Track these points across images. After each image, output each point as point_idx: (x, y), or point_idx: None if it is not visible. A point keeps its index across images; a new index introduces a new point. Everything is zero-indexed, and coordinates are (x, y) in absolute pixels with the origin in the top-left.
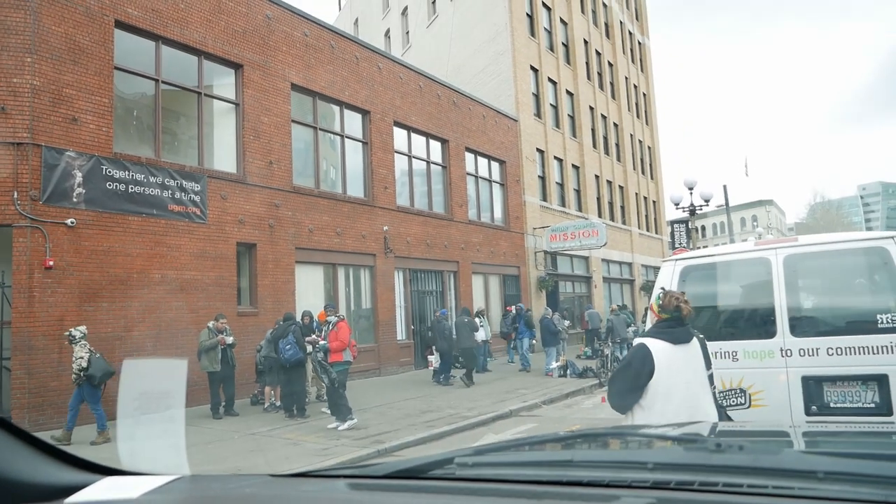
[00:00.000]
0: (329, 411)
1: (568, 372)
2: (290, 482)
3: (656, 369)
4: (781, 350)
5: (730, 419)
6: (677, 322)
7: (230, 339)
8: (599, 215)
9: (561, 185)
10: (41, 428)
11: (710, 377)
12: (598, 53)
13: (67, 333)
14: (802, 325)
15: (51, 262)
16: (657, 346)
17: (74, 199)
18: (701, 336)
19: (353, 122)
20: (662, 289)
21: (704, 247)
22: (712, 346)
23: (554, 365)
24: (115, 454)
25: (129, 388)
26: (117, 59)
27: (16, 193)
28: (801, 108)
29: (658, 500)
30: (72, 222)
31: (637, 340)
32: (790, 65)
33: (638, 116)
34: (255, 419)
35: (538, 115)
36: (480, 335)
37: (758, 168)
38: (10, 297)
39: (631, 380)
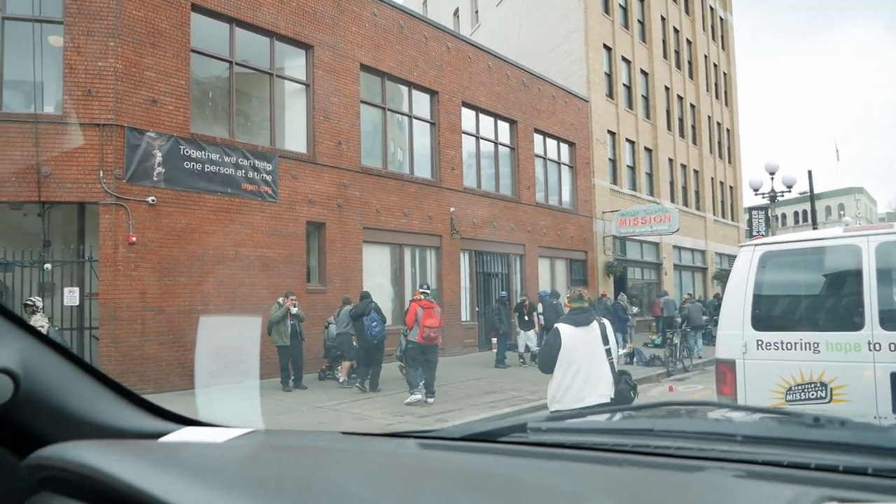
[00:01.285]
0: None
1: (634, 360)
2: (361, 439)
3: (562, 344)
4: (869, 343)
5: (630, 384)
6: (582, 310)
7: (295, 310)
8: (672, 200)
9: (632, 169)
10: None
11: (608, 350)
12: (675, 30)
13: (30, 303)
14: (894, 318)
15: (134, 238)
16: (565, 329)
17: (155, 178)
18: (603, 321)
19: (422, 102)
20: (574, 288)
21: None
22: (792, 336)
23: (621, 352)
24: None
25: (205, 343)
26: (193, 41)
27: (101, 172)
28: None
29: (746, 472)
30: (153, 200)
31: (556, 325)
32: (888, 43)
33: (717, 97)
34: (324, 393)
35: (610, 95)
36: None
37: (847, 154)
38: (97, 271)
39: (549, 352)
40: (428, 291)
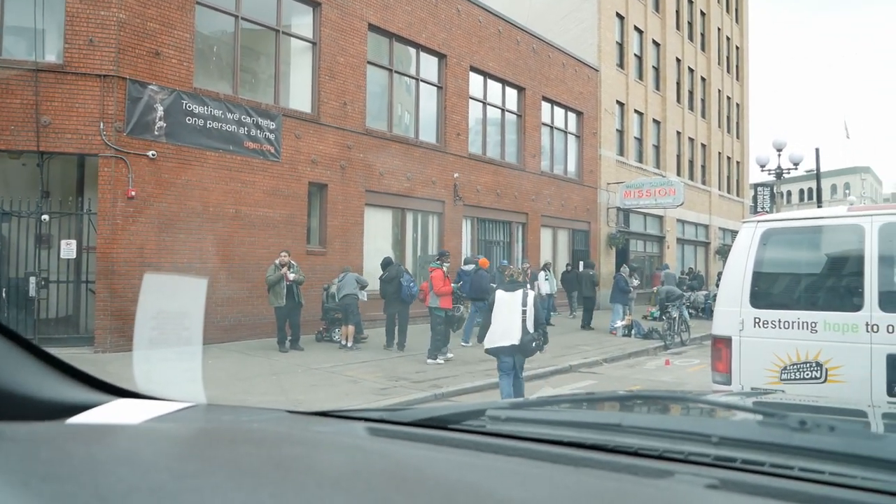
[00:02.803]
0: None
1: (633, 332)
2: (306, 420)
3: (495, 304)
4: (867, 325)
5: (536, 339)
6: (513, 281)
7: (293, 276)
8: (678, 173)
9: (639, 140)
10: (121, 350)
11: (524, 312)
12: (689, 1)
13: None
14: (894, 300)
15: (133, 193)
16: (499, 293)
17: (156, 132)
18: (528, 291)
19: (429, 65)
20: (509, 267)
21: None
22: (789, 315)
23: (619, 323)
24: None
25: (147, 304)
26: None
27: (102, 124)
28: None
29: (720, 480)
30: (153, 154)
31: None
32: None
33: (728, 71)
34: (322, 355)
35: (621, 65)
36: (546, 288)
37: (855, 133)
38: (95, 224)
39: (489, 309)
40: (443, 259)
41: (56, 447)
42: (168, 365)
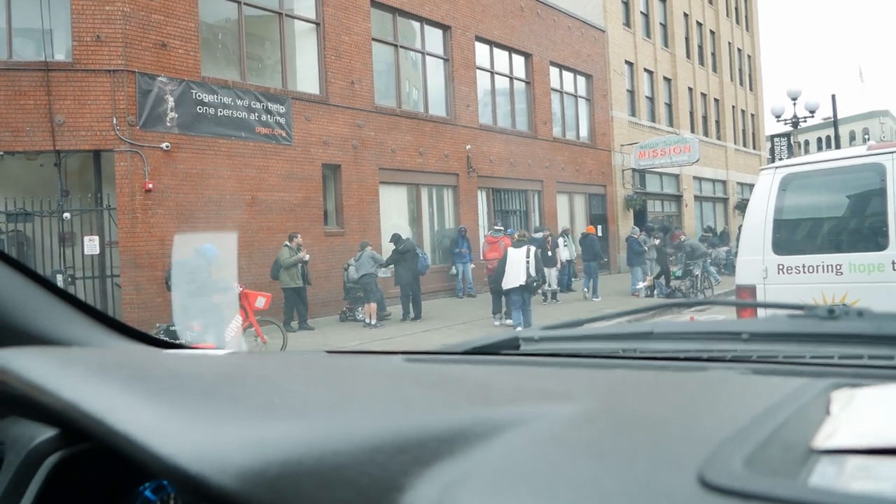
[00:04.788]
0: None
1: (655, 292)
2: (345, 357)
3: (508, 258)
4: (893, 263)
5: (537, 279)
6: (521, 241)
7: (307, 256)
8: (692, 130)
9: (651, 100)
10: None
11: (527, 262)
12: None
13: None
14: None
15: (150, 185)
16: (510, 250)
17: (168, 124)
18: (531, 248)
19: (434, 38)
20: (521, 231)
21: None
22: (814, 259)
23: (640, 285)
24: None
25: (181, 264)
26: None
27: (114, 119)
28: None
29: (753, 371)
30: (167, 146)
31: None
32: None
33: (737, 22)
34: (348, 333)
35: (627, 24)
36: (565, 255)
37: (872, 76)
38: (116, 219)
39: (503, 262)
40: (501, 229)
41: (182, 366)
42: (208, 318)
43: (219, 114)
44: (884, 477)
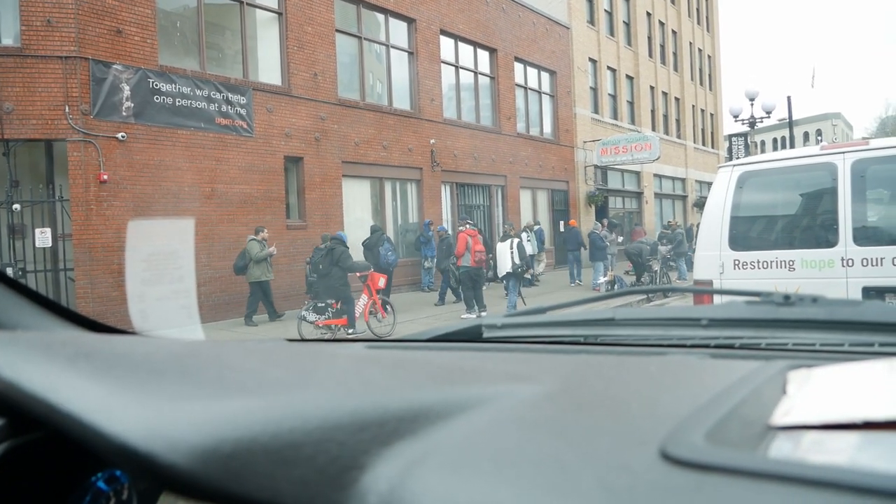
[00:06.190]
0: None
1: (615, 287)
2: (306, 344)
3: (497, 249)
4: (842, 259)
5: (521, 266)
6: (506, 235)
7: (275, 251)
8: (653, 128)
9: (614, 97)
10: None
11: (511, 252)
12: None
13: None
14: (867, 234)
15: (105, 176)
16: (499, 244)
17: (124, 113)
18: (516, 240)
19: (399, 31)
20: (508, 225)
21: None
22: (768, 255)
23: (601, 280)
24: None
25: (135, 249)
26: None
27: (67, 108)
28: (874, 14)
29: (712, 356)
30: (122, 136)
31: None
32: None
33: (698, 22)
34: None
35: (591, 22)
36: (528, 249)
37: (825, 79)
38: (69, 211)
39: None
40: (471, 222)
41: (150, 350)
42: (164, 305)
43: (177, 103)
44: (837, 450)
